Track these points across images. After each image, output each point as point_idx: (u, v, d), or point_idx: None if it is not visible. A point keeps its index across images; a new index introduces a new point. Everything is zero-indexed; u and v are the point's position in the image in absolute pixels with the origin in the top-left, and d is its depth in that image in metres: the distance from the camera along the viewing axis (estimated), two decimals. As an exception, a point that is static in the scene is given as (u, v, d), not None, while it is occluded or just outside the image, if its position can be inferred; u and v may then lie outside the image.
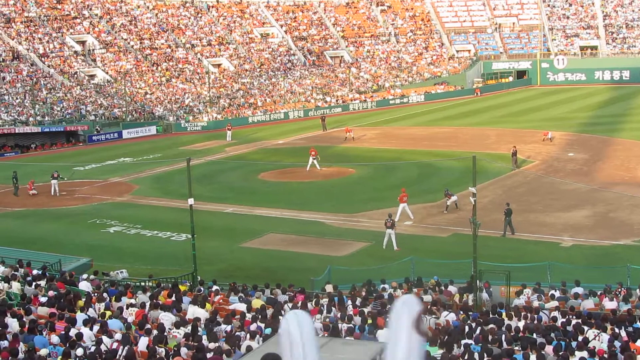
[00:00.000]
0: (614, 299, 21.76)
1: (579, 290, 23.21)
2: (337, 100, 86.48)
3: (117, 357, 14.99)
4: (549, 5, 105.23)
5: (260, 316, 18.86)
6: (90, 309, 19.13)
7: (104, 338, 16.12)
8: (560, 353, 15.15)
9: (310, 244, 35.10)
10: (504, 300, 23.16)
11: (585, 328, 17.56)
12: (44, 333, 16.62)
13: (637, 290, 23.59)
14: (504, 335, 17.18)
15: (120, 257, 33.08)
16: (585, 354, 15.29)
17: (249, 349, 14.73)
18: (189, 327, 17.34)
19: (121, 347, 15.28)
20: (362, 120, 75.41)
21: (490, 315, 19.86)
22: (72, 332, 16.41)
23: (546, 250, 32.27)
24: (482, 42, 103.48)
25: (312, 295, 23.28)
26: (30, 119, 70.30)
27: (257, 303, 20.60)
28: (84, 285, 22.74)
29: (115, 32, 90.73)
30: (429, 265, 28.85)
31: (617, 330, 17.83)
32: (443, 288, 24.64)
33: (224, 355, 14.98)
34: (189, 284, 25.43)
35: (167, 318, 18.24)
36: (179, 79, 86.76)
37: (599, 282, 24.95)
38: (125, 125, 73.36)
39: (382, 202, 40.52)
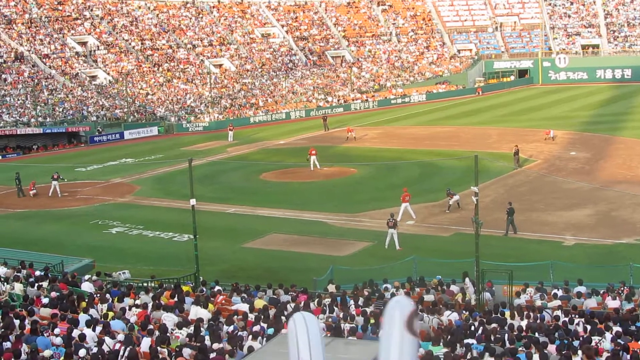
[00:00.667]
0: (617, 297, 21.74)
1: (582, 289, 23.18)
2: (338, 100, 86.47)
3: (120, 357, 14.99)
4: (550, 4, 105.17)
5: (262, 316, 18.85)
6: (92, 310, 19.14)
7: (107, 339, 16.12)
8: (563, 352, 15.13)
9: (312, 244, 35.09)
10: (506, 300, 23.13)
11: (588, 328, 17.54)
12: (46, 334, 16.62)
13: (640, 288, 23.55)
14: (506, 335, 17.17)
15: (122, 258, 33.07)
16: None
17: (251, 349, 14.72)
18: (192, 328, 17.34)
19: (123, 347, 15.29)
20: (363, 120, 75.41)
21: (493, 315, 19.85)
22: (75, 333, 16.42)
23: (548, 249, 32.23)
24: (484, 41, 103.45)
25: (314, 295, 23.26)
26: (32, 120, 70.33)
27: (259, 303, 20.59)
28: (87, 286, 22.74)
29: (117, 33, 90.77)
30: (431, 265, 28.83)
31: (619, 329, 17.80)
32: (445, 287, 24.62)
33: (226, 355, 14.97)
34: (191, 285, 25.42)
35: (169, 319, 18.23)
36: (181, 80, 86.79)
37: (601, 281, 24.90)
38: (127, 126, 73.39)
39: (384, 202, 40.49)
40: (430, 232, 36.23)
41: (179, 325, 17.41)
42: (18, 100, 74.49)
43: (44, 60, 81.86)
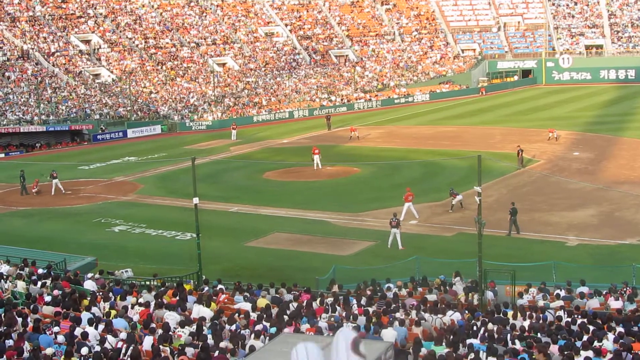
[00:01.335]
0: (620, 298, 21.71)
1: (584, 289, 23.17)
2: (341, 100, 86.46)
3: (122, 356, 15.00)
4: (554, 4, 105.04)
5: (265, 315, 18.84)
6: (95, 308, 19.14)
7: (109, 337, 16.12)
8: (566, 352, 15.11)
9: (315, 243, 35.09)
10: (509, 300, 23.11)
11: (591, 328, 17.51)
12: (49, 332, 16.62)
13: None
14: (509, 335, 17.15)
15: (125, 256, 33.09)
16: (590, 353, 15.25)
17: (253, 348, 14.71)
18: (194, 327, 17.33)
19: (126, 346, 15.28)
20: (367, 120, 75.38)
21: (495, 315, 19.83)
22: (77, 331, 16.42)
23: (551, 249, 32.21)
24: (487, 41, 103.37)
25: (317, 294, 23.25)
26: (35, 118, 70.40)
27: (262, 302, 20.57)
28: (89, 285, 22.75)
29: (120, 31, 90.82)
30: (434, 265, 28.81)
31: (622, 329, 17.78)
32: (448, 287, 24.61)
33: (228, 354, 14.96)
34: (194, 283, 25.41)
35: (172, 317, 18.22)
36: (184, 78, 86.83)
37: (604, 281, 24.89)
38: (130, 125, 73.44)
39: (387, 202, 40.49)
40: (433, 232, 36.21)
41: (182, 324, 17.39)
42: (21, 98, 74.56)
43: (47, 58, 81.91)
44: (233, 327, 17.50)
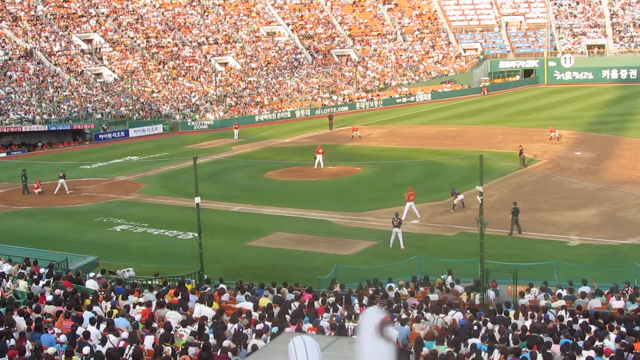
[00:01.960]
0: (621, 298, 21.71)
1: (586, 289, 23.16)
2: (343, 99, 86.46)
3: (124, 355, 15.00)
4: (556, 4, 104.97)
5: (267, 315, 18.85)
6: (96, 308, 19.15)
7: (111, 336, 16.12)
8: (567, 352, 15.10)
9: (317, 243, 35.10)
10: (510, 299, 23.11)
11: (592, 328, 17.51)
12: (50, 331, 16.63)
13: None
14: (510, 334, 17.14)
15: (126, 255, 33.11)
16: (592, 353, 15.25)
17: (255, 347, 14.72)
18: (196, 326, 17.34)
19: (128, 345, 15.29)
20: (368, 119, 75.39)
21: (497, 314, 19.83)
22: (79, 331, 16.43)
23: (553, 249, 32.20)
24: (489, 41, 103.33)
25: (319, 294, 23.25)
26: (37, 117, 70.45)
27: (264, 302, 20.58)
28: (91, 284, 22.76)
29: (122, 31, 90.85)
30: (435, 264, 28.80)
31: (624, 329, 17.78)
32: (449, 287, 24.61)
33: (229, 353, 14.97)
34: (196, 282, 25.42)
35: (173, 317, 18.24)
36: (186, 78, 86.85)
37: (605, 281, 24.88)
38: (132, 124, 73.46)
39: (389, 201, 40.49)
40: (435, 232, 36.21)
41: (183, 323, 17.40)
42: (23, 97, 74.62)
43: (49, 57, 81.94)
44: (235, 327, 17.51)
